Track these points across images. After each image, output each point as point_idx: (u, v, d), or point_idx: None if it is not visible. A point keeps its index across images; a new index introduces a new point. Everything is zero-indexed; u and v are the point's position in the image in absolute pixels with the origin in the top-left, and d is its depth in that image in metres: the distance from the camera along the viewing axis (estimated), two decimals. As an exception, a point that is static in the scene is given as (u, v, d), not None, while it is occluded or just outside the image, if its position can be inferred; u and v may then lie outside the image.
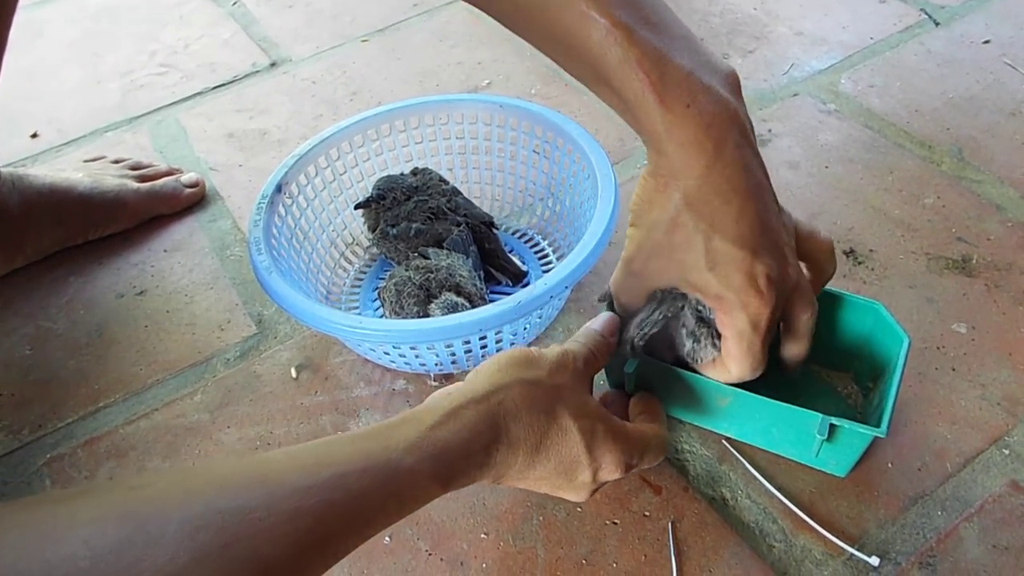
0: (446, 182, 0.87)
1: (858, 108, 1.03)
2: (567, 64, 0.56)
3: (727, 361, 0.60)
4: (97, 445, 0.74)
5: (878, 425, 0.58)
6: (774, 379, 0.63)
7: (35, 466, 0.73)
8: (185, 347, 0.82)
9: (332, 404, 0.76)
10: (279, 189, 0.79)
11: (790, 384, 0.66)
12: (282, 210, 0.80)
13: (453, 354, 0.73)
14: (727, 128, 0.51)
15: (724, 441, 0.69)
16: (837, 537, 0.62)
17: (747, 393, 0.62)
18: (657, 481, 0.67)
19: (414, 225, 0.82)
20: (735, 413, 0.66)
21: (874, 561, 0.61)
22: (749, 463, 0.68)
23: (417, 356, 0.73)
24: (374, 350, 0.74)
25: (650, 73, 0.49)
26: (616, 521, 0.65)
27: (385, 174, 0.87)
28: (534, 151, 0.88)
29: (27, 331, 0.85)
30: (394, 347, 0.71)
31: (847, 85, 1.07)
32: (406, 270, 0.77)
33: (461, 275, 0.76)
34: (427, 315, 0.74)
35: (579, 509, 0.66)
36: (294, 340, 0.82)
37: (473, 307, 0.74)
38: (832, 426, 0.59)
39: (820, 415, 0.60)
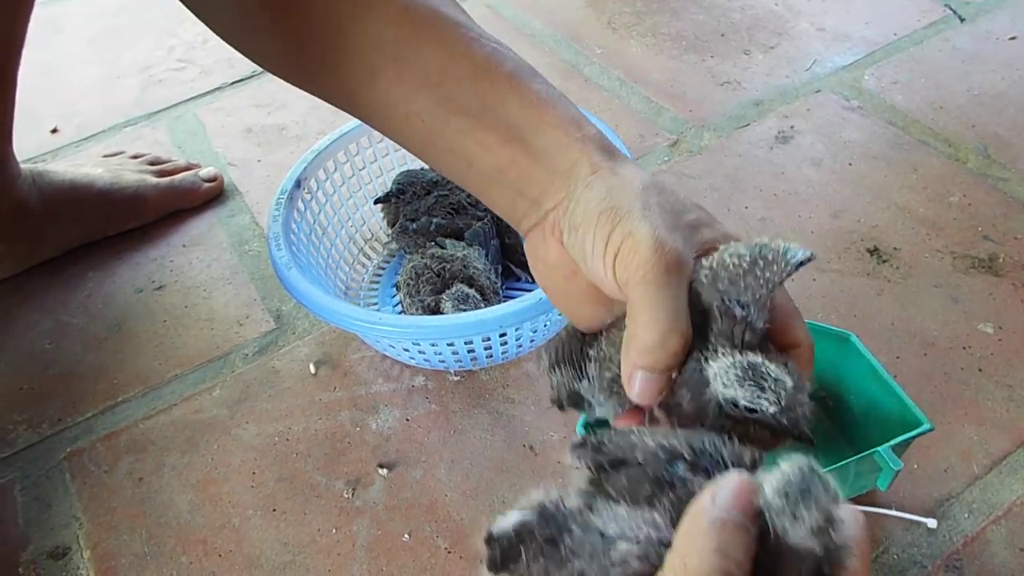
0: None
1: (882, 105, 1.02)
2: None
3: None
4: (116, 440, 0.74)
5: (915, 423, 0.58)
6: None
7: (55, 460, 0.73)
8: (203, 342, 0.82)
9: (351, 400, 0.75)
10: (298, 185, 0.79)
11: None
12: (301, 206, 0.79)
13: (472, 350, 0.72)
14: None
15: (746, 441, 0.69)
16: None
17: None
18: (678, 481, 0.66)
19: (434, 220, 0.81)
20: None
21: (932, 523, 0.61)
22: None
23: (437, 352, 0.72)
24: (393, 346, 0.74)
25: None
26: (637, 521, 0.64)
27: (404, 169, 0.87)
28: None
29: (47, 325, 0.85)
30: (414, 343, 0.71)
31: (870, 81, 1.06)
32: (422, 258, 0.77)
33: (475, 267, 0.76)
34: (439, 304, 0.74)
35: (599, 508, 0.65)
36: (312, 336, 0.81)
37: (485, 300, 0.74)
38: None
39: (879, 449, 0.57)
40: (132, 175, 0.95)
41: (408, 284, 0.76)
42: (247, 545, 0.66)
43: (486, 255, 0.80)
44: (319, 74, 0.53)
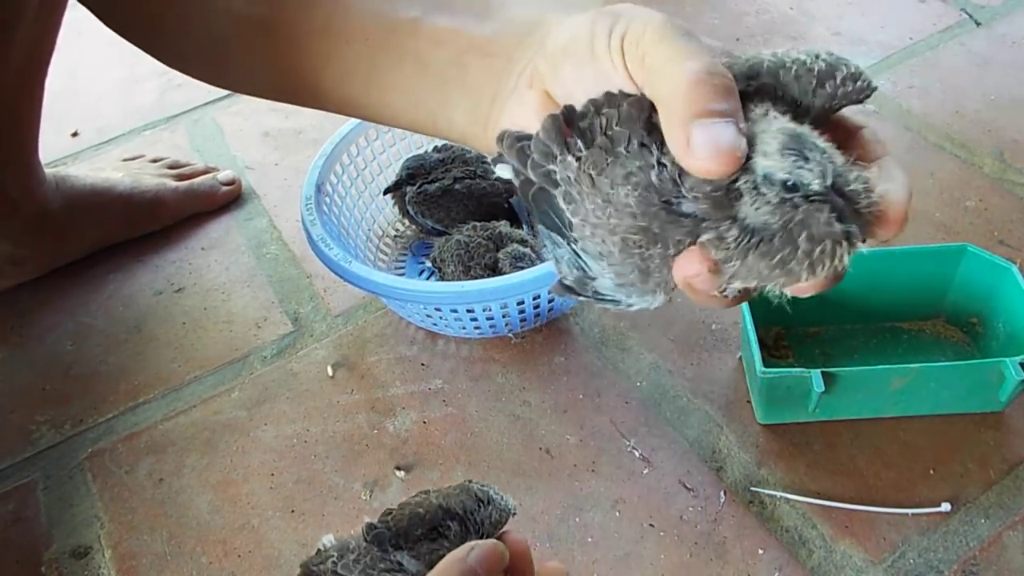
0: (470, 151, 0.89)
1: (898, 109, 1.02)
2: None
3: None
4: (137, 440, 0.75)
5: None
6: (865, 347, 0.74)
7: (77, 460, 0.74)
8: (222, 344, 0.83)
9: (368, 402, 0.76)
10: (318, 189, 0.80)
11: (885, 347, 0.74)
12: (325, 208, 0.80)
13: (537, 306, 0.76)
14: None
15: (762, 444, 0.69)
16: (878, 542, 0.62)
17: (928, 365, 0.65)
18: (695, 484, 0.67)
19: (453, 171, 0.85)
20: (908, 390, 0.67)
21: (945, 507, 0.64)
22: (788, 467, 0.67)
23: (504, 315, 0.76)
24: (460, 319, 0.76)
25: None
26: (653, 523, 0.65)
27: (411, 155, 0.91)
28: None
29: (68, 327, 0.86)
30: (502, 305, 0.74)
31: (886, 86, 1.06)
32: (465, 232, 0.81)
33: (519, 232, 0.82)
34: (497, 262, 0.78)
35: (617, 512, 0.66)
36: (330, 339, 0.82)
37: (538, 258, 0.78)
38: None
39: (1006, 360, 0.63)
40: (152, 179, 0.96)
41: (460, 255, 0.79)
42: (266, 545, 0.67)
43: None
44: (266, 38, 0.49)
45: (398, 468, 0.71)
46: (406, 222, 0.92)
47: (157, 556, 0.67)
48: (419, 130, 0.49)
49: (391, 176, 0.90)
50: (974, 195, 0.90)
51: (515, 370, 0.77)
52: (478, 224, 0.82)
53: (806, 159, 0.32)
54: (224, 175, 1.00)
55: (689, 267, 0.34)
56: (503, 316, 0.76)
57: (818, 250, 0.32)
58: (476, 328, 0.77)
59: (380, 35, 0.45)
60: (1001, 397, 0.67)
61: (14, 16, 0.71)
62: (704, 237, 0.33)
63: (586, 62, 0.37)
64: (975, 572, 0.60)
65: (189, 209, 0.97)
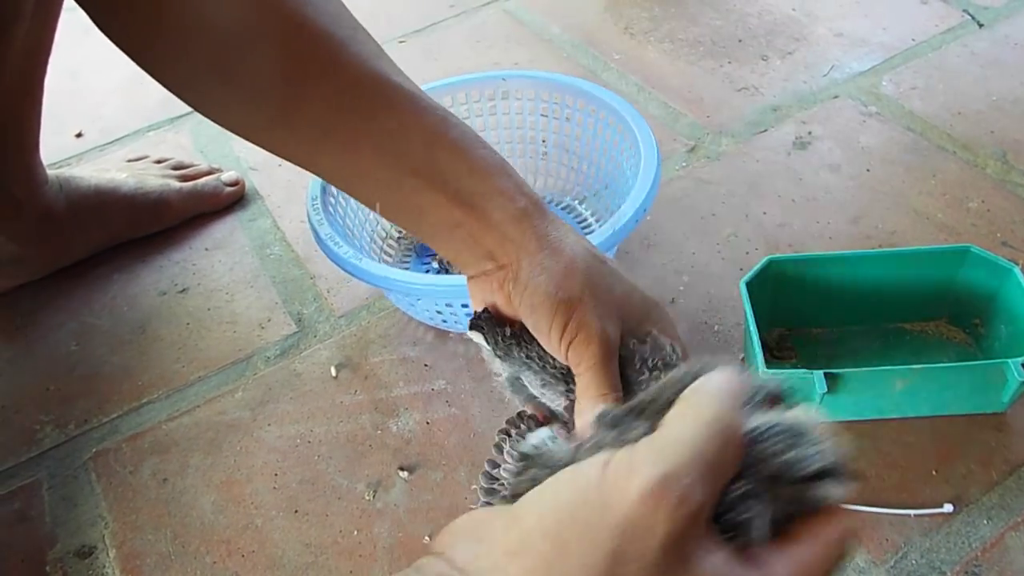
0: None
1: (900, 110, 1.02)
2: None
3: None
4: (141, 440, 0.76)
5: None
6: (868, 348, 0.75)
7: (81, 460, 0.75)
8: (226, 345, 0.83)
9: (371, 403, 0.76)
10: (324, 190, 0.80)
11: (888, 348, 0.75)
12: (331, 209, 0.80)
13: None
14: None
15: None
16: (881, 543, 0.62)
17: (931, 366, 0.65)
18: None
19: None
20: (911, 391, 0.67)
21: (948, 508, 0.64)
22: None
23: None
24: (471, 313, 0.76)
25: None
26: (656, 524, 0.65)
27: None
28: (555, 118, 0.91)
29: (72, 327, 0.87)
30: None
31: (888, 87, 1.06)
32: None
33: None
34: None
35: (618, 511, 0.66)
36: (333, 339, 0.82)
37: None
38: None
39: (1008, 361, 0.63)
40: (156, 180, 0.96)
41: None
42: (270, 546, 0.67)
43: None
44: (272, 129, 0.56)
45: (401, 468, 0.71)
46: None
47: (161, 556, 0.67)
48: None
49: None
50: (977, 196, 0.90)
51: (518, 371, 0.77)
52: None
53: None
54: (228, 176, 1.00)
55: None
56: None
57: None
58: None
59: (387, 183, 0.55)
60: (1003, 398, 0.67)
61: (13, 15, 0.71)
62: None
63: (542, 333, 0.51)
64: (977, 573, 0.60)
65: (193, 210, 0.98)
